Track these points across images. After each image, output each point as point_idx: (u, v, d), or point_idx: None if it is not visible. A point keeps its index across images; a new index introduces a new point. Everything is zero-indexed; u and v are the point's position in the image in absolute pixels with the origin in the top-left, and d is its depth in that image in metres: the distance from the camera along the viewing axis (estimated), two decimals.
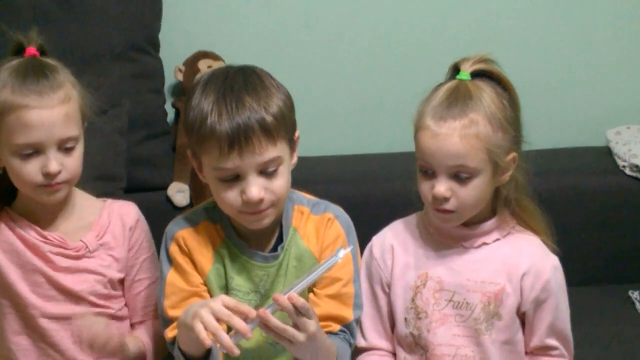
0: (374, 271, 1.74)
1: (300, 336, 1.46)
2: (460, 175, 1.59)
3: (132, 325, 1.79)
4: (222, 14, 2.45)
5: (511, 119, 1.62)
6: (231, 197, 1.55)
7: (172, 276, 1.63)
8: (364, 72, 2.50)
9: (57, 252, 1.69)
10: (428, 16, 2.48)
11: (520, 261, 1.66)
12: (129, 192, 2.19)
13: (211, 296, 1.63)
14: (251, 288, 1.64)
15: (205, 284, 1.64)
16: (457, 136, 1.57)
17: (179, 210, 2.22)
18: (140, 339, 1.76)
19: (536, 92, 2.37)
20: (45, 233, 1.69)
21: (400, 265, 1.71)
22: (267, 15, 2.46)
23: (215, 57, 2.41)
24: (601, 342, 2.02)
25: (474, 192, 1.60)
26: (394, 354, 1.75)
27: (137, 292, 1.77)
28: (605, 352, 2.00)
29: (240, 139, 1.49)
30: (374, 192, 2.25)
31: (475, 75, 1.63)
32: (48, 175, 1.61)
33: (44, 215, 1.70)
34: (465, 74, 1.62)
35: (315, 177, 2.22)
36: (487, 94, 1.60)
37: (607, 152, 2.43)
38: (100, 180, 2.06)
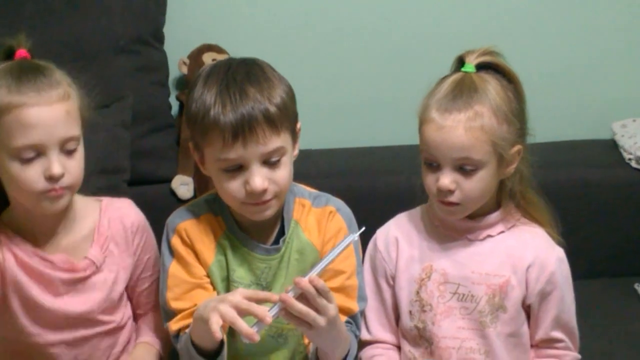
0: (378, 264, 1.73)
1: (321, 320, 1.45)
2: (464, 168, 1.59)
3: (137, 317, 1.78)
4: (226, 7, 2.45)
5: (516, 111, 1.62)
6: (234, 188, 1.55)
7: (174, 268, 1.63)
8: (369, 65, 2.49)
9: (66, 279, 1.62)
10: (433, 8, 2.47)
11: (525, 253, 1.66)
12: (132, 184, 2.19)
13: (214, 288, 1.63)
14: (252, 280, 1.64)
15: (208, 276, 1.64)
16: (462, 128, 1.56)
17: (182, 202, 2.21)
18: (149, 345, 1.73)
19: (541, 84, 2.36)
20: (49, 256, 1.60)
21: (404, 257, 1.71)
22: (271, 7, 2.45)
23: (220, 50, 2.41)
24: (607, 335, 2.02)
25: (479, 184, 1.60)
26: (398, 347, 1.75)
27: (142, 290, 1.75)
28: (610, 344, 2.00)
29: (244, 130, 1.49)
30: (378, 185, 2.24)
31: (480, 67, 1.62)
32: (51, 179, 1.50)
33: (42, 230, 1.61)
34: (470, 66, 1.62)
35: (320, 170, 2.22)
36: (492, 86, 1.60)
37: (612, 145, 2.43)
38: (104, 173, 2.06)
